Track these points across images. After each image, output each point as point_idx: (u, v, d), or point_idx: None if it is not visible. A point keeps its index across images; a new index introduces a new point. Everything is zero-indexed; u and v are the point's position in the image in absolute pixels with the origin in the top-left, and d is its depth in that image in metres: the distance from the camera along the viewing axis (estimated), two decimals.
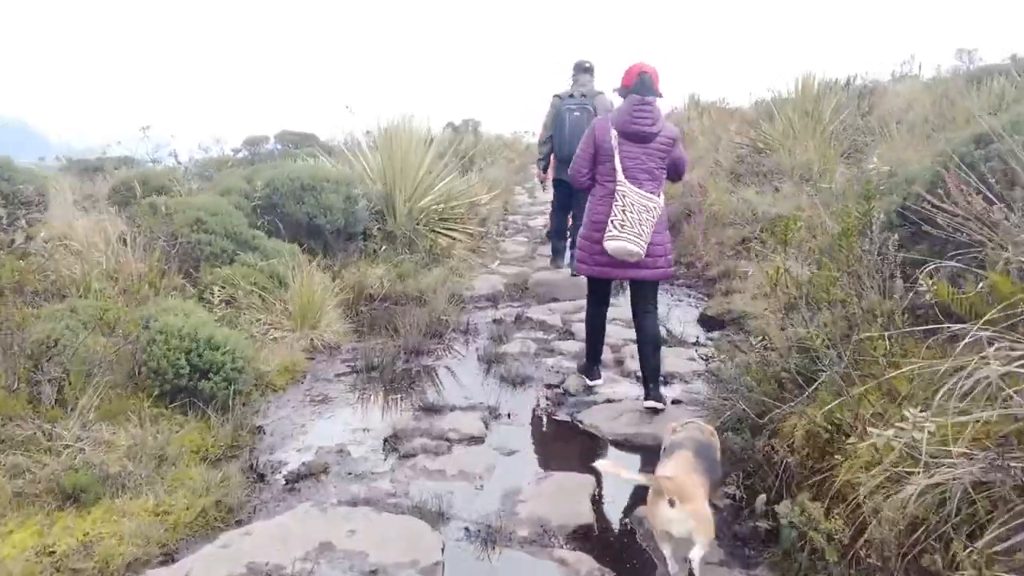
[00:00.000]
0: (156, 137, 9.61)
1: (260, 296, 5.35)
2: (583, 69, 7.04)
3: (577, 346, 5.35)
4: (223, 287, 5.21)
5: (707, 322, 6.15)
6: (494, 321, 6.15)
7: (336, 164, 8.90)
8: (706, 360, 4.96)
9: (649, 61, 4.05)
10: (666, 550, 2.50)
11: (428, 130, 8.87)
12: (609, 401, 4.35)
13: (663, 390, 4.27)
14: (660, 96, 4.00)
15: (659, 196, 3.95)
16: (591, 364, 4.58)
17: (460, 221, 8.57)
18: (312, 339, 5.34)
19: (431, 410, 4.23)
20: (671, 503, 2.39)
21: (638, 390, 4.47)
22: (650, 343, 4.15)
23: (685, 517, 2.39)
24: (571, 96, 7.00)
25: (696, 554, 2.37)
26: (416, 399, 4.40)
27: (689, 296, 7.18)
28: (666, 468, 2.63)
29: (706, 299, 6.97)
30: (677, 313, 6.25)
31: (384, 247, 7.51)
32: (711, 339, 5.65)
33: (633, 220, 3.79)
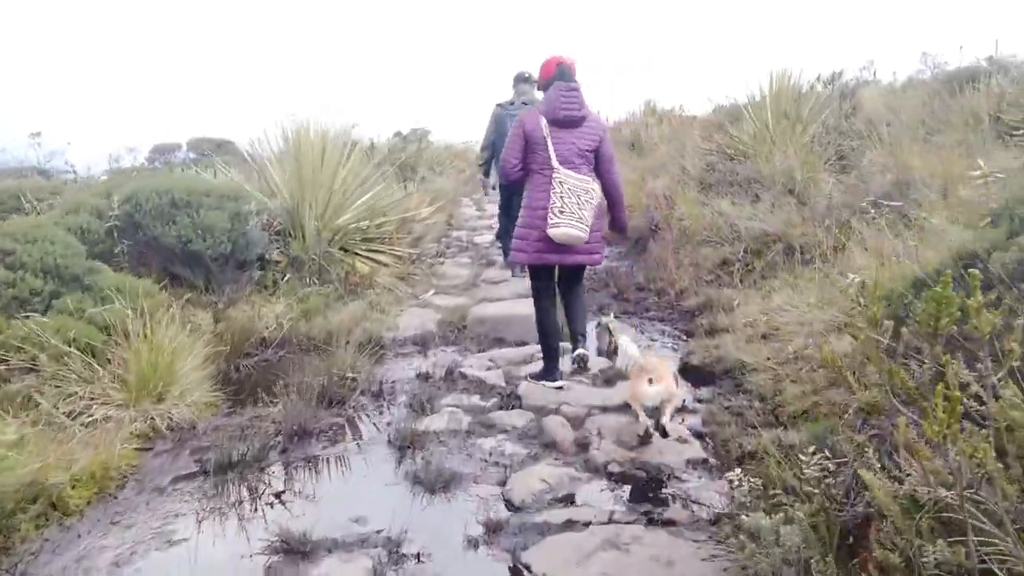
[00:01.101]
0: (51, 144, 7.86)
1: (81, 358, 3.75)
2: (523, 79, 6.90)
3: (526, 418, 3.88)
4: (20, 348, 3.59)
5: (692, 374, 4.73)
6: (419, 377, 4.64)
7: (236, 175, 7.28)
8: (704, 441, 3.56)
9: (567, 54, 4.10)
10: (641, 413, 3.45)
11: (348, 135, 7.29)
12: (570, 525, 2.86)
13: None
14: (579, 83, 4.00)
15: (595, 182, 3.95)
16: (549, 364, 4.33)
17: (388, 242, 7.03)
18: (154, 418, 3.75)
19: (295, 550, 2.68)
20: (650, 381, 3.35)
21: (610, 503, 3.02)
22: (575, 317, 4.35)
23: (659, 390, 3.34)
24: (511, 104, 6.79)
25: (666, 418, 3.38)
26: (280, 524, 2.85)
27: (663, 334, 5.77)
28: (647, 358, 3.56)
29: (686, 339, 5.57)
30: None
31: (288, 276, 5.94)
32: (701, 400, 4.24)
33: (572, 205, 3.77)
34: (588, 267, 4.44)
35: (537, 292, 4.32)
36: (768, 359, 4.36)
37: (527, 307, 5.22)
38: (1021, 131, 7.70)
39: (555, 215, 3.79)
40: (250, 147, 7.42)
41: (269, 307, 5.59)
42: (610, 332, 5.08)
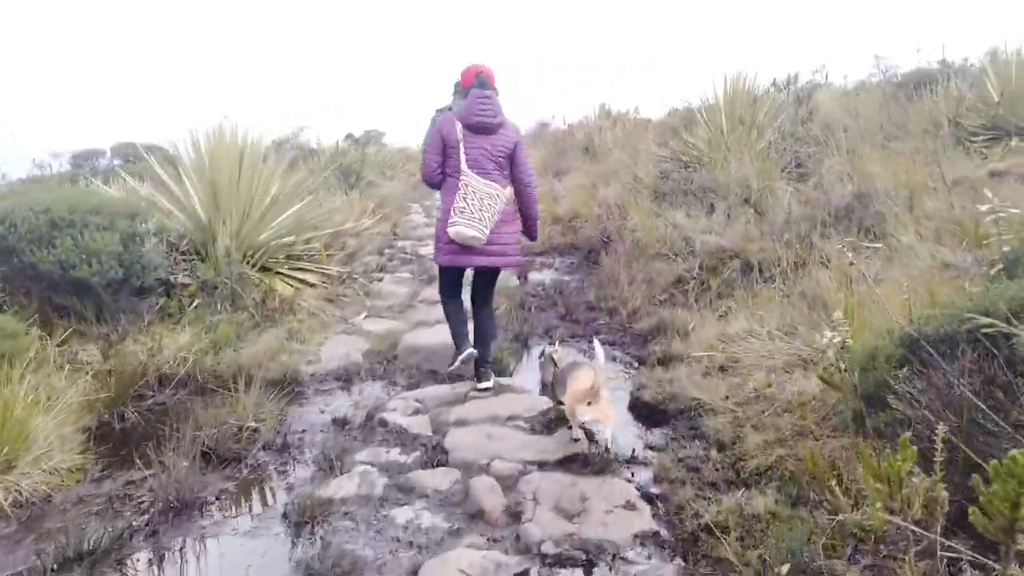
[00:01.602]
0: None
1: None
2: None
3: (451, 478, 3.31)
4: None
5: (642, 412, 4.21)
6: (335, 423, 4.03)
7: (146, 186, 6.53)
8: (655, 506, 3.04)
9: (486, 62, 4.23)
10: (581, 433, 3.42)
11: (292, 140, 6.58)
12: None
13: None
14: (496, 92, 4.10)
15: (506, 187, 4.03)
16: (458, 344, 4.38)
17: (317, 259, 6.37)
18: None
19: None
20: (588, 403, 3.31)
21: None
22: (485, 339, 4.40)
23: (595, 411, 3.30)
24: (450, 110, 5.87)
25: (608, 434, 3.34)
26: None
27: (614, 360, 5.25)
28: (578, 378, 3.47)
29: (637, 365, 5.06)
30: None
31: (197, 302, 5.24)
32: (653, 448, 3.71)
33: (473, 207, 3.85)
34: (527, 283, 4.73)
35: (442, 285, 4.45)
36: (727, 397, 3.85)
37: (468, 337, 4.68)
38: (981, 137, 7.42)
39: (455, 214, 3.88)
40: (164, 155, 6.67)
41: (172, 338, 4.90)
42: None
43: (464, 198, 3.88)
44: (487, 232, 3.91)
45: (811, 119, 8.33)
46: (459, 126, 3.97)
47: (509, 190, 4.08)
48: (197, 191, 5.84)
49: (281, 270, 5.98)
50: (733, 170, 7.53)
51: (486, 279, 4.36)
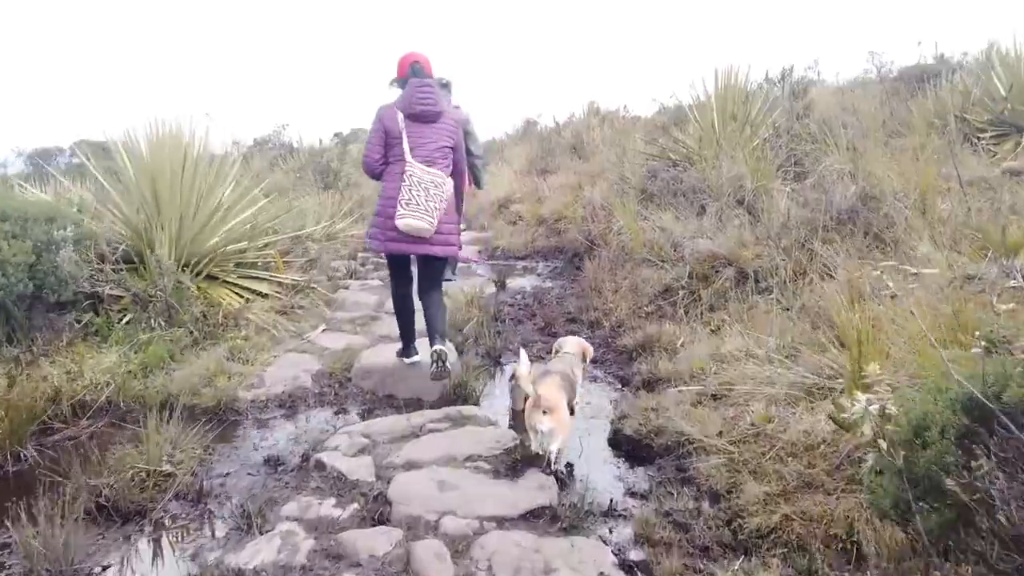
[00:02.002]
0: None
1: None
2: (441, 85, 6.19)
3: (392, 539, 2.73)
4: None
5: (624, 447, 3.65)
6: (266, 463, 3.45)
7: (85, 188, 5.92)
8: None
9: (421, 51, 4.12)
10: (533, 441, 3.24)
11: (255, 141, 5.97)
12: None
13: None
14: (442, 80, 4.49)
15: (449, 176, 3.97)
16: (405, 344, 4.46)
17: (274, 267, 5.78)
18: None
19: None
20: (544, 412, 3.19)
21: None
22: (434, 323, 4.12)
23: (550, 421, 3.18)
24: None
25: (554, 447, 3.22)
26: None
27: (595, 380, 4.69)
28: (541, 388, 3.33)
29: (620, 387, 4.50)
30: (577, 424, 3.74)
31: (129, 318, 4.65)
32: (635, 494, 3.15)
33: (420, 198, 3.80)
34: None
35: (392, 278, 4.39)
36: (721, 433, 3.29)
37: (424, 355, 4.14)
38: (988, 133, 6.89)
39: (402, 207, 3.82)
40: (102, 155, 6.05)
41: (97, 359, 4.30)
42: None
43: (409, 189, 3.82)
44: (434, 223, 3.87)
45: (807, 115, 7.79)
46: (400, 116, 3.93)
47: (451, 180, 4.02)
48: (135, 193, 5.24)
49: (229, 279, 5.38)
50: (725, 169, 6.96)
51: (430, 268, 4.23)
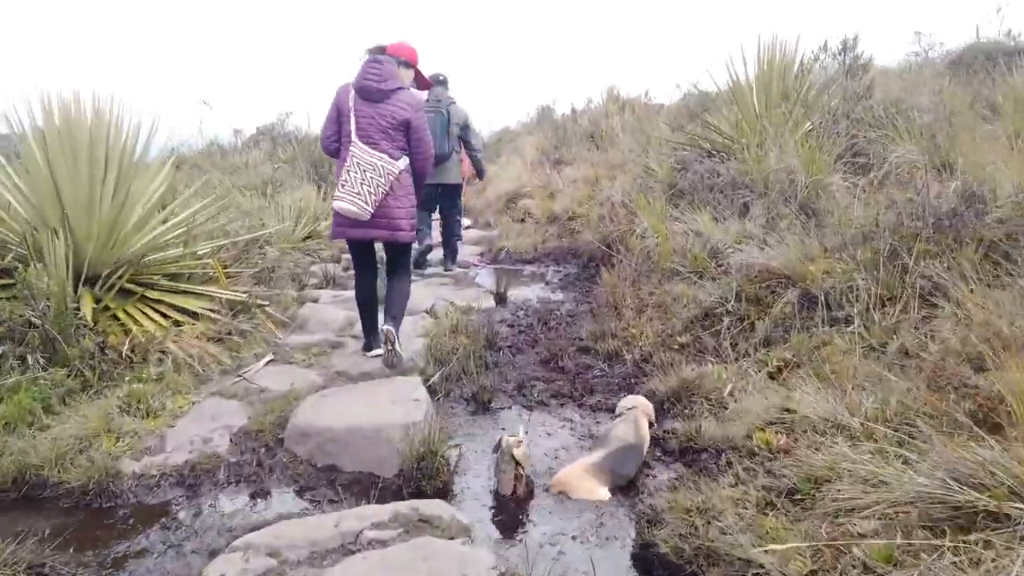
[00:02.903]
0: None
1: None
2: (437, 81, 6.53)
3: None
4: None
5: (656, 571, 2.41)
6: None
7: None
8: None
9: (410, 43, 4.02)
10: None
11: (146, 126, 4.74)
12: None
13: None
14: (405, 60, 3.91)
15: (399, 159, 3.76)
16: (367, 337, 4.23)
17: (213, 278, 4.59)
18: None
19: None
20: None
21: None
22: (390, 310, 3.96)
23: None
24: (426, 102, 6.17)
25: None
26: None
27: None
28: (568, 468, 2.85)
29: (649, 465, 3.26)
30: (585, 524, 2.54)
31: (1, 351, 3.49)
32: None
33: (355, 179, 3.65)
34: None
35: (354, 266, 4.21)
36: (815, 575, 2.05)
37: (391, 406, 3.23)
38: None
39: (338, 189, 3.71)
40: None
41: None
42: (516, 462, 2.85)
43: (348, 170, 3.67)
44: (368, 207, 3.69)
45: (869, 95, 6.45)
46: (352, 93, 3.75)
47: (403, 162, 3.80)
48: (31, 186, 4.07)
49: (152, 296, 4.20)
50: (773, 160, 5.67)
51: (392, 251, 4.08)
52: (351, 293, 5.93)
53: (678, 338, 4.10)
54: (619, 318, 4.77)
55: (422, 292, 5.68)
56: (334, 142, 3.80)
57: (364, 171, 3.63)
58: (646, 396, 3.58)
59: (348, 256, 7.85)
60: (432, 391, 3.83)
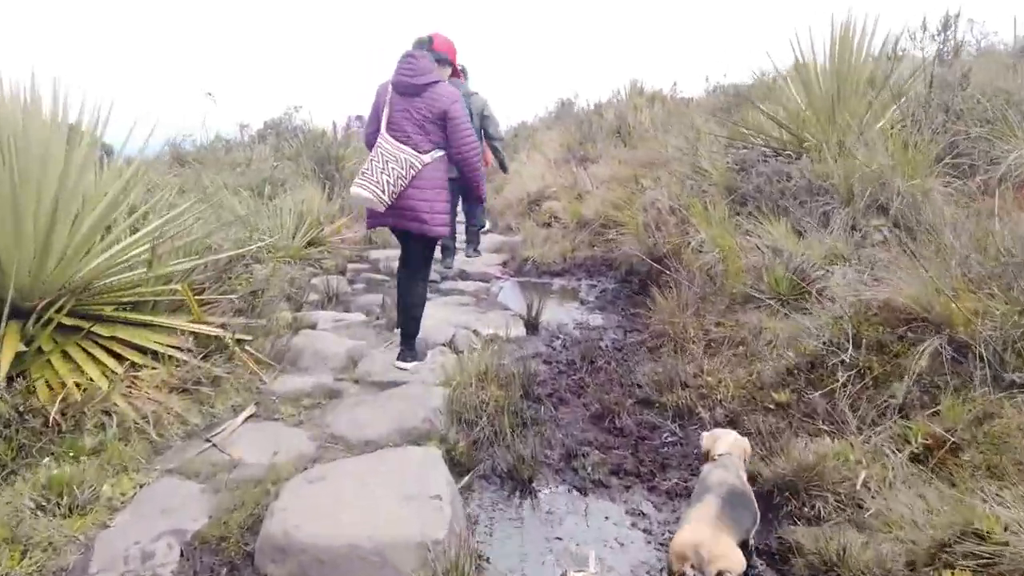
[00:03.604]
0: None
1: None
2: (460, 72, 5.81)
3: None
4: None
5: None
6: None
7: None
8: None
9: (444, 33, 4.03)
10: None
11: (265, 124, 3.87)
12: None
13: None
14: (440, 55, 3.85)
15: (426, 152, 3.62)
16: (402, 342, 3.94)
17: (182, 307, 3.66)
18: None
19: None
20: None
21: None
22: (408, 306, 3.91)
23: None
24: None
25: None
26: None
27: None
28: (688, 526, 2.11)
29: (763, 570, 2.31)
30: None
31: None
32: None
33: (376, 169, 3.57)
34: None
35: (400, 258, 4.05)
36: None
37: (401, 506, 2.35)
38: None
39: (358, 176, 3.61)
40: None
41: None
42: None
43: (371, 160, 3.59)
44: (384, 196, 3.54)
45: (966, 84, 5.43)
46: (390, 88, 3.66)
47: (431, 155, 3.62)
48: None
49: (100, 332, 3.27)
50: (861, 160, 4.68)
51: (411, 245, 3.89)
52: (356, 316, 5.01)
53: (773, 394, 3.13)
54: (684, 357, 3.80)
55: (439, 315, 4.74)
56: (373, 136, 3.73)
57: (387, 162, 3.55)
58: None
59: (354, 267, 6.96)
60: (455, 463, 2.90)
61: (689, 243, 5.07)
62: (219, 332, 3.54)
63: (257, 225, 5.82)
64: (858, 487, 2.48)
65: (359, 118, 27.36)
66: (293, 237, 6.73)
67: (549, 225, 7.90)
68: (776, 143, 5.78)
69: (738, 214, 5.09)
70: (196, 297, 3.70)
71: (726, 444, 2.55)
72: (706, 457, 2.57)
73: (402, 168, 3.54)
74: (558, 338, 4.63)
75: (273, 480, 2.67)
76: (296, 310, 5.22)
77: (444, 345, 4.19)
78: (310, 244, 6.98)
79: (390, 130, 3.61)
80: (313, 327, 4.64)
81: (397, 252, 8.02)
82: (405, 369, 3.83)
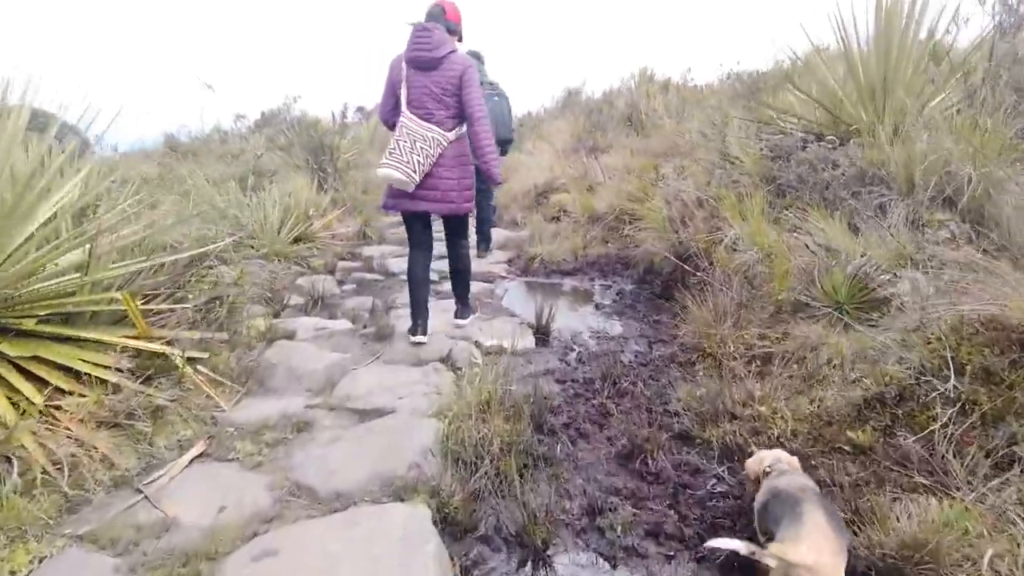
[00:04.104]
0: None
1: None
2: (477, 59, 5.91)
3: None
4: None
5: None
6: None
7: None
8: None
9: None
10: None
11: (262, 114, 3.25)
12: None
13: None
14: (451, 25, 3.63)
15: (451, 129, 3.56)
16: (413, 319, 3.84)
17: (123, 318, 3.02)
18: None
19: None
20: None
21: None
22: (454, 278, 4.10)
23: None
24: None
25: None
26: None
27: None
28: (800, 545, 1.73)
29: None
30: None
31: None
32: None
33: (405, 148, 3.49)
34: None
35: (409, 241, 3.93)
36: None
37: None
38: None
39: (385, 156, 3.55)
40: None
41: None
42: None
43: (398, 140, 3.49)
44: (416, 176, 3.50)
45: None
46: (403, 63, 3.56)
47: (456, 132, 3.57)
48: None
49: (9, 352, 2.64)
50: (921, 145, 4.02)
51: (449, 225, 3.90)
52: (341, 324, 4.37)
53: (849, 433, 2.48)
54: (725, 377, 3.15)
55: (436, 323, 4.10)
56: (391, 113, 3.64)
57: (415, 141, 3.46)
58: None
59: (345, 266, 6.32)
60: (449, 521, 2.27)
61: (721, 240, 4.41)
62: (165, 349, 2.90)
63: (232, 218, 5.16)
64: (984, 571, 1.84)
65: (360, 109, 26.42)
66: (278, 232, 6.10)
67: (558, 219, 7.24)
68: (816, 127, 5.10)
69: (772, 207, 4.43)
70: (146, 307, 3.06)
71: (774, 455, 2.24)
72: (756, 482, 2.20)
73: (430, 147, 3.49)
74: (573, 350, 3.99)
75: (210, 554, 2.04)
76: (275, 315, 4.60)
77: (440, 361, 3.55)
78: (297, 240, 6.34)
79: (412, 108, 3.51)
80: (291, 337, 4.00)
81: (392, 248, 7.47)
82: (462, 326, 4.11)
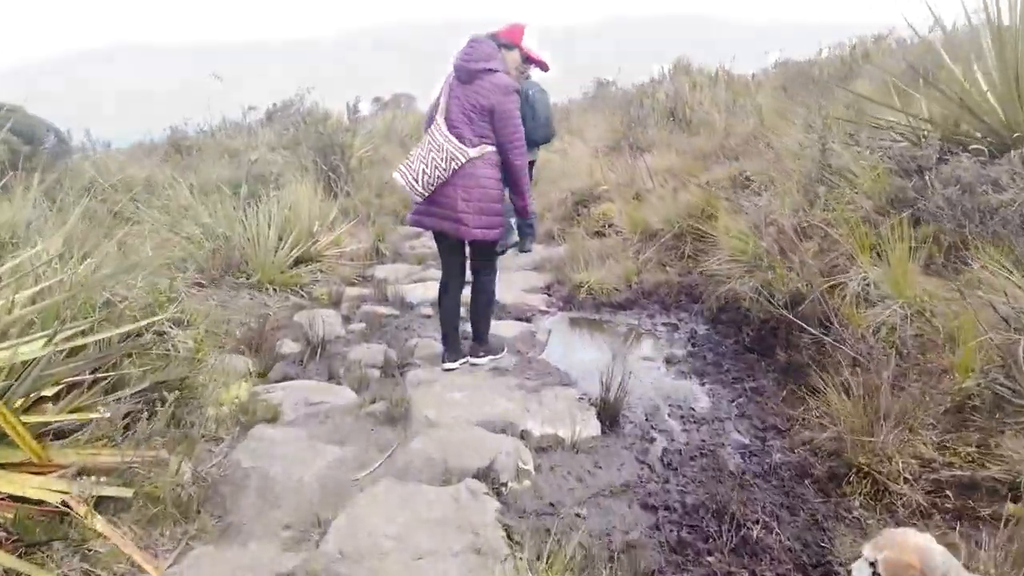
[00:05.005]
0: None
1: None
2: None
3: None
4: None
5: None
6: None
7: None
8: None
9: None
10: None
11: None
12: None
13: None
14: (503, 40, 3.41)
15: (475, 146, 3.28)
16: (444, 346, 3.70)
17: (36, 404, 1.97)
18: None
19: None
20: None
21: None
22: (471, 316, 3.75)
23: None
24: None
25: None
26: None
27: None
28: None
29: None
30: None
31: None
32: None
33: (419, 156, 3.33)
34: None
35: (441, 266, 3.75)
36: None
37: None
38: None
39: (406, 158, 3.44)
40: None
41: None
42: None
43: (419, 145, 3.37)
44: (417, 186, 3.32)
45: None
46: (452, 74, 3.39)
47: (479, 150, 3.27)
48: None
49: None
50: None
51: (471, 250, 3.57)
52: (342, 394, 3.32)
53: None
54: (899, 518, 2.06)
55: (466, 404, 3.04)
56: (430, 123, 3.42)
57: (430, 150, 3.28)
58: None
59: (354, 294, 5.26)
60: None
61: (842, 284, 3.30)
62: (58, 496, 1.85)
63: (221, 238, 4.11)
64: None
65: (376, 99, 25.33)
66: (275, 253, 5.06)
67: (602, 234, 6.12)
68: (951, 132, 3.94)
69: (908, 239, 3.29)
70: (43, 417, 2.02)
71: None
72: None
73: (443, 159, 3.28)
74: (652, 440, 2.91)
75: None
76: (261, 373, 3.58)
77: (475, 477, 2.47)
78: (299, 262, 5.30)
79: (443, 116, 3.35)
80: (274, 420, 2.96)
81: (408, 269, 6.36)
82: (478, 365, 3.68)
